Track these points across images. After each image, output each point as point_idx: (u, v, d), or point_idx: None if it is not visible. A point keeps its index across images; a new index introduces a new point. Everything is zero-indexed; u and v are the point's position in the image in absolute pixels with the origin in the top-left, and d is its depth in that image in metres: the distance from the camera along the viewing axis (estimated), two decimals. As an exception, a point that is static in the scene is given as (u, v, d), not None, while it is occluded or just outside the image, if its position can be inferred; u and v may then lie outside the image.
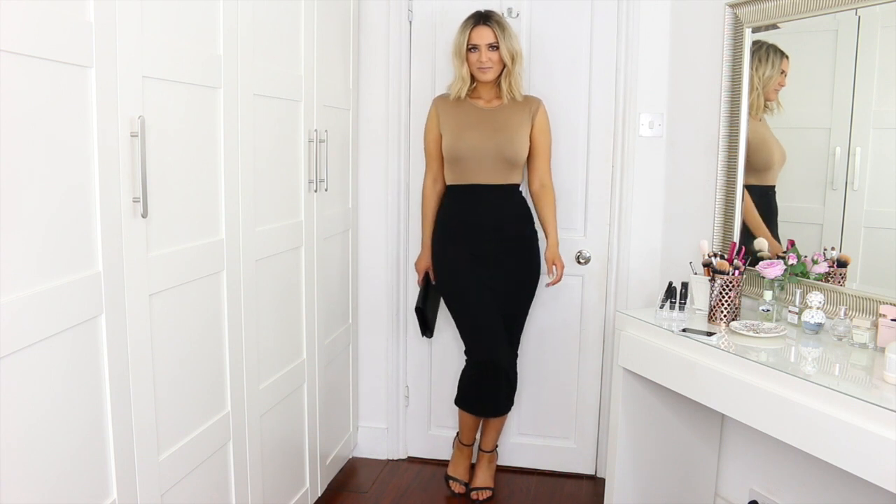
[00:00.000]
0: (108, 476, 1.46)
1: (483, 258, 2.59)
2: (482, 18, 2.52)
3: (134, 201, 1.47)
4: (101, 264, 1.40)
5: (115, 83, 1.40)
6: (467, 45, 2.51)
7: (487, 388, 2.64)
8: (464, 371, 2.70)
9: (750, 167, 2.39)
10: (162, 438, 1.64)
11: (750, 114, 2.36)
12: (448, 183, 2.66)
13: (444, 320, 2.86)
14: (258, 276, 2.07)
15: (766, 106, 2.33)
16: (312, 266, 2.47)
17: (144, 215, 1.50)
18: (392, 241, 2.95)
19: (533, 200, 2.70)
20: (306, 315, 2.45)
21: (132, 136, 1.45)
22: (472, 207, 2.60)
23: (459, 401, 2.72)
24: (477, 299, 2.60)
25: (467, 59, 2.53)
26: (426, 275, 2.75)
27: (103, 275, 1.40)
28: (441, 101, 2.67)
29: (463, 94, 2.58)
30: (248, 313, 2.01)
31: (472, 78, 2.57)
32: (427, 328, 2.78)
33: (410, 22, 2.87)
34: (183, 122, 1.68)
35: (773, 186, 2.36)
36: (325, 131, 2.50)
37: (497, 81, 2.57)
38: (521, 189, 2.67)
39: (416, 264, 2.81)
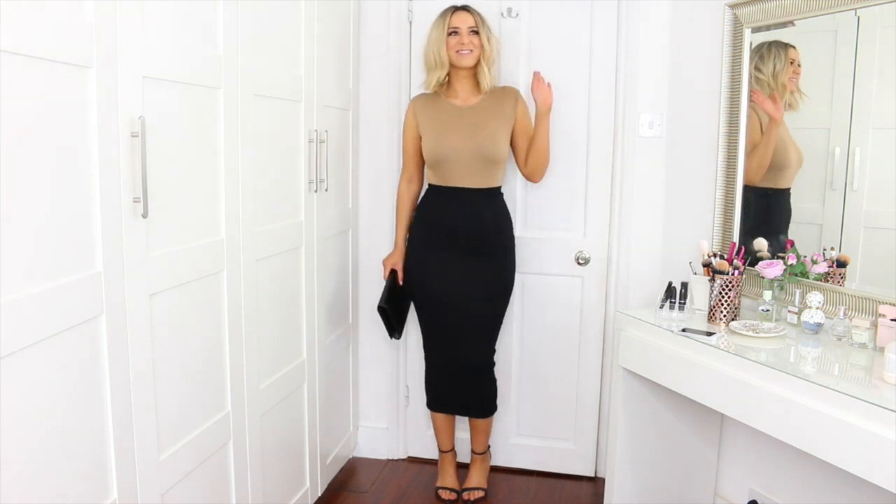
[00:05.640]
0: (109, 476, 1.46)
1: (459, 262, 2.59)
2: (461, 7, 2.57)
3: (134, 201, 1.48)
4: (102, 264, 1.40)
5: (115, 83, 1.41)
6: (448, 29, 2.52)
7: (454, 387, 2.68)
8: (425, 374, 2.76)
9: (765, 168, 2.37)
10: (162, 438, 1.65)
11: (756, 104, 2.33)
12: (430, 182, 2.67)
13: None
14: (258, 276, 2.07)
15: (787, 98, 2.28)
16: (312, 266, 2.47)
17: (145, 215, 1.50)
18: (392, 241, 2.95)
19: (528, 176, 2.68)
20: (306, 315, 2.45)
21: (132, 136, 1.45)
22: (451, 210, 2.59)
23: (431, 402, 2.76)
24: (443, 305, 2.61)
25: (447, 45, 2.53)
26: (393, 275, 2.72)
27: (103, 275, 1.40)
28: (418, 102, 2.67)
29: (441, 79, 2.57)
30: (248, 313, 2.02)
31: (448, 75, 2.58)
32: (393, 329, 2.74)
33: (410, 22, 2.87)
34: (183, 123, 1.68)
35: (789, 189, 2.32)
36: (325, 131, 2.50)
37: (474, 73, 2.57)
38: (502, 191, 2.67)
39: (384, 261, 2.78)
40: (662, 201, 2.75)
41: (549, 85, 2.55)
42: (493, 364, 2.72)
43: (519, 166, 2.68)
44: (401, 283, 2.73)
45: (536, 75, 2.54)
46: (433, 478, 2.91)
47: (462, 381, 2.67)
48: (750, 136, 2.37)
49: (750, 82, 2.34)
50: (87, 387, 1.39)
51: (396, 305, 2.73)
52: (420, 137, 2.63)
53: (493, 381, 2.73)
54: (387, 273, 2.75)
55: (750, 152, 2.37)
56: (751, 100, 2.35)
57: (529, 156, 2.61)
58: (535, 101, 2.54)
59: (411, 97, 2.86)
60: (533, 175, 2.67)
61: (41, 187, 1.25)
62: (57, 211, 1.29)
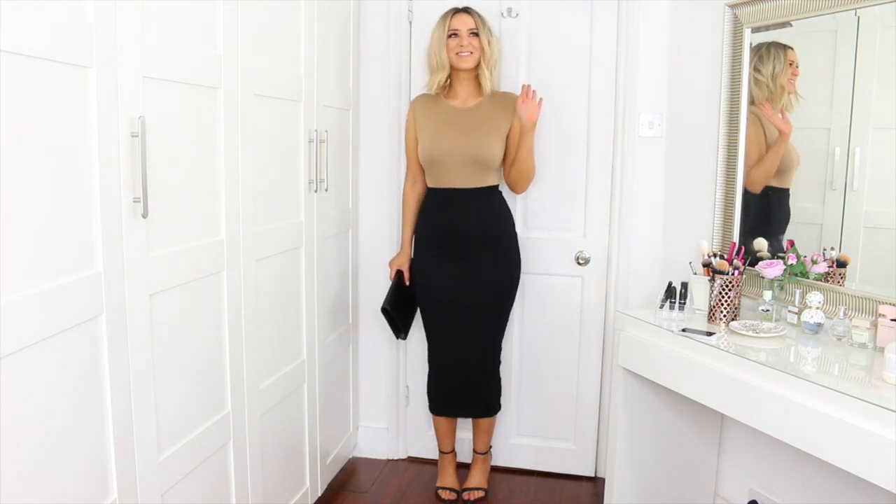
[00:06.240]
0: (109, 476, 1.46)
1: (461, 263, 2.59)
2: (462, 9, 2.56)
3: (134, 201, 1.48)
4: (102, 264, 1.40)
5: (115, 83, 1.41)
6: (448, 31, 2.52)
7: (458, 388, 2.67)
8: (428, 378, 2.75)
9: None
10: (162, 438, 1.65)
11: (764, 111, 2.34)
12: (428, 186, 2.67)
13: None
14: (258, 276, 2.07)
15: (785, 100, 2.28)
16: (312, 266, 2.47)
17: (145, 215, 1.50)
18: (392, 241, 2.96)
19: (510, 186, 2.68)
20: (306, 315, 2.45)
21: (132, 136, 1.45)
22: (450, 212, 2.59)
23: (433, 406, 2.76)
24: (446, 306, 2.62)
25: (447, 47, 2.54)
26: (398, 275, 2.73)
27: (103, 275, 1.40)
28: (418, 103, 2.68)
29: (441, 81, 2.57)
30: (248, 313, 2.02)
31: (449, 73, 2.58)
32: (398, 329, 2.74)
33: (410, 22, 2.87)
34: (183, 122, 1.68)
35: (788, 189, 2.32)
36: (325, 131, 2.50)
37: (475, 74, 2.57)
38: (500, 189, 2.67)
39: (390, 262, 2.80)
40: (662, 201, 2.75)
41: (540, 100, 2.50)
42: (498, 363, 2.72)
43: (504, 175, 2.67)
44: (407, 283, 2.73)
45: (526, 89, 2.49)
46: (433, 478, 2.91)
47: (467, 381, 2.66)
48: (756, 147, 2.36)
49: (750, 83, 2.34)
50: (87, 387, 1.39)
51: (402, 306, 2.73)
52: (418, 139, 2.63)
53: (498, 380, 2.73)
54: (393, 274, 2.75)
55: (756, 163, 2.36)
56: (752, 104, 2.35)
57: (512, 168, 2.61)
58: (520, 117, 2.50)
59: (411, 97, 2.86)
60: (514, 187, 2.67)
61: (41, 187, 1.25)
62: (57, 211, 1.29)
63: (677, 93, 2.66)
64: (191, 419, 1.78)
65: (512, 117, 2.57)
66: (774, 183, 2.37)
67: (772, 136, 2.33)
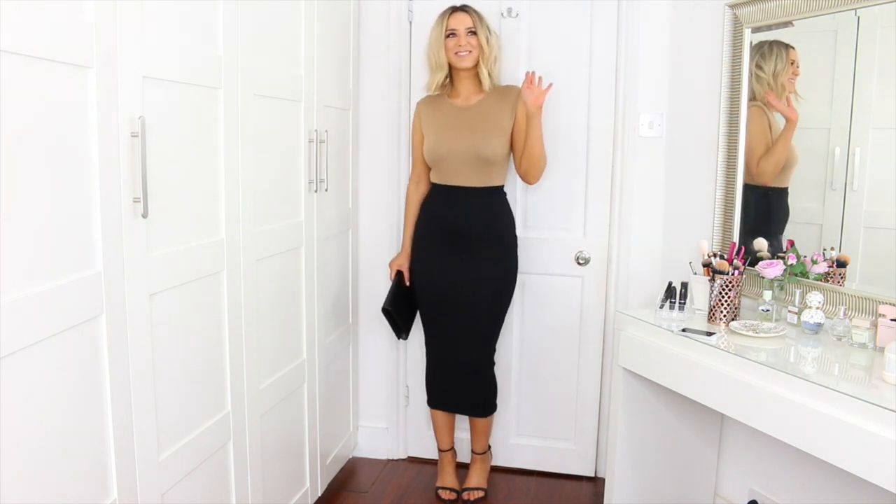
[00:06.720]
0: (109, 476, 1.47)
1: (461, 260, 2.59)
2: (459, 7, 2.57)
3: (134, 201, 1.48)
4: (102, 264, 1.40)
5: (115, 83, 1.41)
6: (445, 31, 2.53)
7: (453, 385, 2.68)
8: (426, 371, 2.76)
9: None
10: (162, 438, 1.65)
11: (767, 106, 2.33)
12: (432, 181, 2.67)
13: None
14: (258, 276, 2.07)
15: (787, 99, 2.28)
16: (312, 266, 2.47)
17: (145, 215, 1.50)
18: (392, 241, 2.96)
19: (522, 177, 2.66)
20: (306, 315, 2.45)
21: (132, 136, 1.45)
22: (451, 210, 2.60)
23: (430, 400, 2.76)
24: (442, 302, 2.62)
25: (445, 47, 2.54)
26: (398, 276, 2.74)
27: (103, 275, 1.40)
28: (423, 104, 2.69)
29: (440, 81, 2.58)
30: (248, 313, 2.02)
31: (450, 72, 2.58)
32: (399, 330, 2.75)
33: (410, 22, 2.87)
34: (183, 122, 1.68)
35: (787, 189, 2.33)
36: (325, 131, 2.50)
37: (475, 72, 2.57)
38: (504, 190, 2.67)
39: (390, 262, 2.80)
40: (662, 201, 2.75)
41: (549, 86, 2.46)
42: (492, 363, 2.71)
43: (515, 166, 2.67)
44: (407, 283, 2.73)
45: (530, 76, 2.47)
46: (433, 478, 2.91)
47: (461, 379, 2.67)
48: (762, 138, 2.36)
49: (751, 81, 2.35)
50: (87, 387, 1.39)
51: (403, 306, 2.73)
52: (424, 139, 2.64)
53: (493, 381, 2.73)
54: (393, 274, 2.76)
55: (764, 154, 2.36)
56: (763, 101, 2.34)
57: (522, 157, 2.60)
58: (526, 101, 2.48)
59: (411, 97, 2.86)
60: (526, 176, 2.65)
61: (41, 187, 1.25)
62: (57, 211, 1.29)
63: (677, 93, 2.66)
64: (191, 419, 1.78)
65: (515, 107, 2.57)
66: (774, 182, 2.37)
67: (776, 128, 2.32)
